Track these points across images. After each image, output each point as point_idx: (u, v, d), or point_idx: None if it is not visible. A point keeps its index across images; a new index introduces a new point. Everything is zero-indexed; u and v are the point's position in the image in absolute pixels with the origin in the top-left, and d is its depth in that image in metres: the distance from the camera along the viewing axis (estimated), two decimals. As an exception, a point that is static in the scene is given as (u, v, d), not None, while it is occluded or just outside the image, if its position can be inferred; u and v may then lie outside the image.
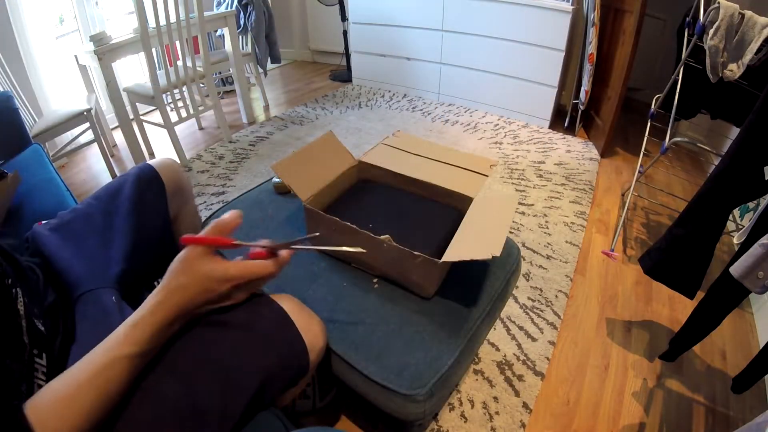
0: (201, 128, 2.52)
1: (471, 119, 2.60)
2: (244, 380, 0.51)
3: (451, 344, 0.67)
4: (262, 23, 2.55)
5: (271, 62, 2.80)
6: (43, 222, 0.70)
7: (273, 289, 0.75)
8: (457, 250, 0.65)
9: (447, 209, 0.88)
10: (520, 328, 1.20)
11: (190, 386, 0.47)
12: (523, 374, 1.06)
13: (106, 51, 1.70)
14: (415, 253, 0.67)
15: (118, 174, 1.98)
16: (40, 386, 0.46)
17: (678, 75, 1.42)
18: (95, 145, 1.91)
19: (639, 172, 1.62)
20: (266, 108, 2.82)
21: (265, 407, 0.55)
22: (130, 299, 0.66)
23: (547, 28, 2.23)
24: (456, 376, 0.67)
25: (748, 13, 1.15)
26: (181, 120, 2.04)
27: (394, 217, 0.84)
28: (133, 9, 1.70)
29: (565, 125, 2.49)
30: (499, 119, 2.60)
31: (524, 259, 1.45)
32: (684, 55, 1.39)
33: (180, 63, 1.96)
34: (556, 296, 1.31)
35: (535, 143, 2.30)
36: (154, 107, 2.02)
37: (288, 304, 0.61)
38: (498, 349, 1.13)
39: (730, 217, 1.57)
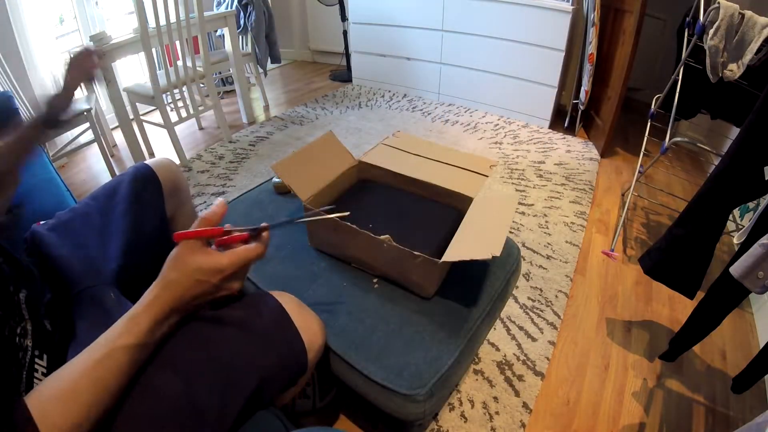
0: (201, 128, 2.52)
1: (471, 119, 2.60)
2: (242, 379, 0.51)
3: (451, 344, 0.67)
4: (262, 23, 2.55)
5: (271, 62, 2.80)
6: (42, 222, 0.70)
7: (273, 287, 0.75)
8: (457, 250, 0.65)
9: (447, 209, 0.88)
10: (520, 328, 1.20)
11: (189, 384, 0.48)
12: (523, 374, 1.06)
13: (106, 51, 1.70)
14: (415, 253, 0.67)
15: (117, 173, 1.99)
16: None
17: (678, 75, 1.42)
18: (95, 145, 1.91)
19: (639, 172, 1.62)
20: (266, 108, 2.82)
21: (264, 406, 0.55)
22: (130, 298, 0.66)
23: (547, 28, 2.23)
24: (456, 376, 0.67)
25: (748, 13, 1.15)
26: (181, 120, 2.04)
27: (394, 217, 0.84)
28: (133, 9, 1.70)
29: (565, 125, 2.49)
30: (499, 119, 2.60)
31: (524, 259, 1.45)
32: (684, 55, 1.39)
33: (180, 63, 1.96)
34: (556, 296, 1.31)
35: (535, 143, 2.30)
36: (154, 107, 2.02)
37: (287, 302, 0.61)
38: (498, 349, 1.13)
39: (730, 217, 1.57)
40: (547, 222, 1.65)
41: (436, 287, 0.74)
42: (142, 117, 2.13)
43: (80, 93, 1.99)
